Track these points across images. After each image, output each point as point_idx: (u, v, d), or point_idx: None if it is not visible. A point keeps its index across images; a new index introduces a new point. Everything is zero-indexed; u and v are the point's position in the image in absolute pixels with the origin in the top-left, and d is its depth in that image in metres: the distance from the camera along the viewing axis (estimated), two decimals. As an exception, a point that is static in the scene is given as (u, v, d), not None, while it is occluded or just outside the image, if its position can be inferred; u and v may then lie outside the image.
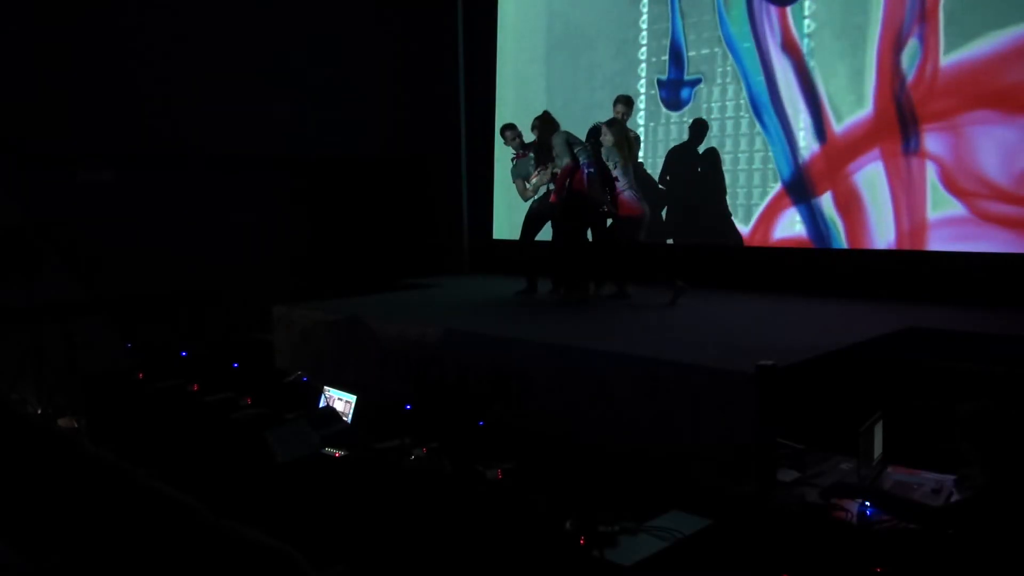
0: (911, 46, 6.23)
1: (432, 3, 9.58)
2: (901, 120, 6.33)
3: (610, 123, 6.54)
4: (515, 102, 9.10)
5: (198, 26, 7.78)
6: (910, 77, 6.26)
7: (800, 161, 6.90)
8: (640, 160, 7.50)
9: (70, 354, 6.44)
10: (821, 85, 6.74)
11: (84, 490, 0.99)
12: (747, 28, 7.15)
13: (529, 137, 7.30)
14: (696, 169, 7.58)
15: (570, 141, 6.45)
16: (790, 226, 6.99)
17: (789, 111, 6.94)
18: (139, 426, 5.44)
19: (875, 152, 6.47)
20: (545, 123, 6.79)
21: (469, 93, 9.58)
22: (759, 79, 7.09)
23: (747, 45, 7.16)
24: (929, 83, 6.18)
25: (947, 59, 6.08)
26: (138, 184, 7.52)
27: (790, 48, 6.91)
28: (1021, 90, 5.76)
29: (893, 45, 6.33)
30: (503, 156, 9.20)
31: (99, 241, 7.12)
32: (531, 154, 7.17)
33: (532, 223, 7.09)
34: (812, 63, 6.78)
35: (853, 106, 6.58)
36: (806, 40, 6.82)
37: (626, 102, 6.83)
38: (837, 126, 6.68)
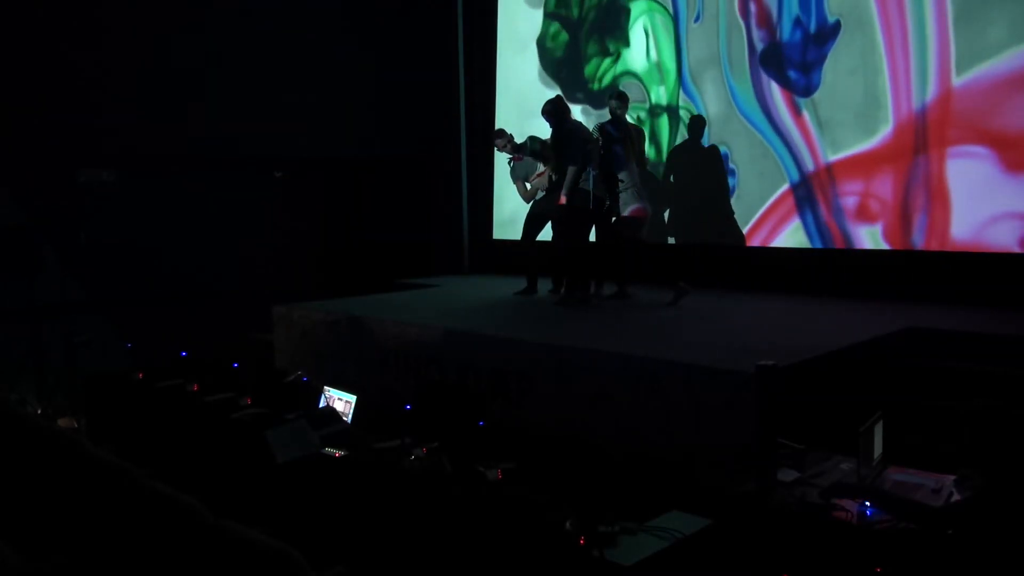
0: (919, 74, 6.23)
1: (432, 4, 9.59)
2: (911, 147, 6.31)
3: (613, 121, 6.52)
4: (515, 102, 9.11)
5: (199, 26, 7.78)
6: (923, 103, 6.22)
7: (805, 172, 6.90)
8: (647, 157, 7.50)
9: (70, 354, 6.44)
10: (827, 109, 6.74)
11: (84, 490, 0.99)
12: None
13: (520, 136, 7.27)
14: (698, 168, 7.57)
15: (585, 137, 6.37)
16: (792, 226, 6.98)
17: (792, 132, 6.95)
18: (139, 426, 5.44)
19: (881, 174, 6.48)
20: (559, 110, 6.50)
21: (469, 93, 9.58)
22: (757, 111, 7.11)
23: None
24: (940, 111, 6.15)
25: (959, 82, 6.04)
26: (138, 184, 7.52)
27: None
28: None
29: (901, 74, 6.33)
30: (502, 156, 9.21)
31: (99, 241, 7.13)
32: (527, 157, 7.12)
33: (533, 223, 7.08)
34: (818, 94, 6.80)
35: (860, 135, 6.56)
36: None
37: (619, 97, 6.75)
38: (832, 154, 6.69)
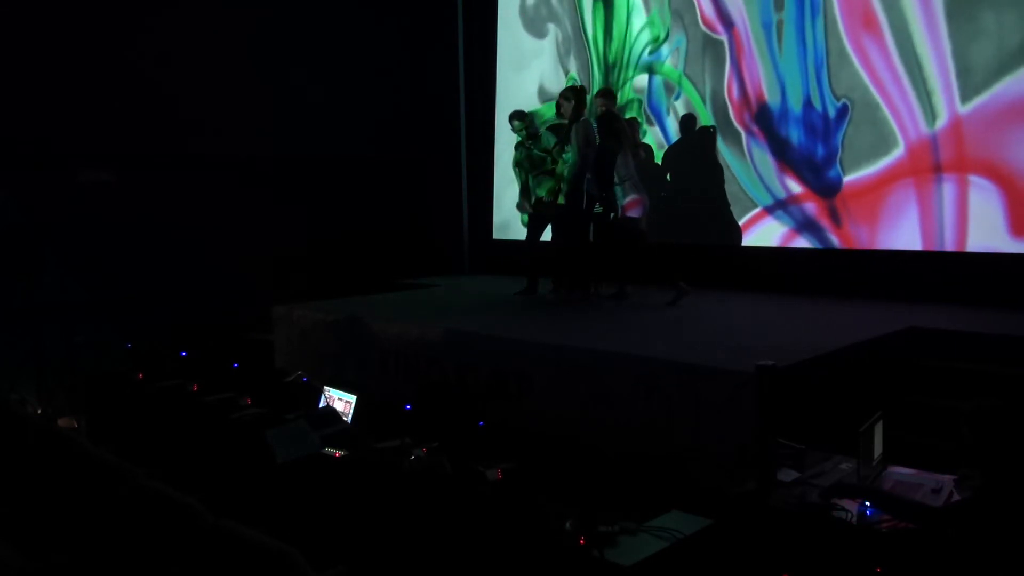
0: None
1: (432, 4, 9.59)
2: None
3: (608, 116, 6.49)
4: (515, 102, 9.10)
5: (199, 27, 7.78)
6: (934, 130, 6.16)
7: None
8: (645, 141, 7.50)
9: (70, 354, 6.45)
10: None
11: (84, 490, 1.00)
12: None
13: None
14: (694, 168, 7.57)
15: (588, 138, 6.30)
16: (791, 227, 6.99)
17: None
18: (139, 426, 5.45)
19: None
20: (581, 101, 6.44)
21: (469, 93, 9.58)
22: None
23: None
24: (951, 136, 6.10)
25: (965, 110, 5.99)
26: (138, 184, 7.51)
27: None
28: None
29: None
30: (503, 156, 9.20)
31: (99, 241, 7.13)
32: (535, 151, 6.91)
33: (536, 223, 7.05)
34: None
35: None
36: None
37: (606, 94, 6.73)
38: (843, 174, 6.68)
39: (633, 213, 6.37)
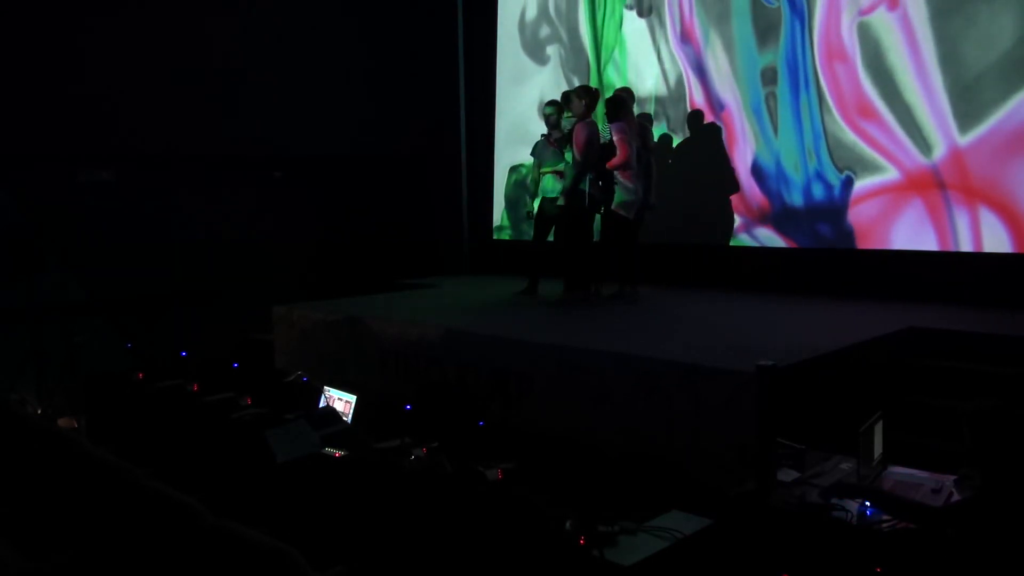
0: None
1: (433, 3, 9.59)
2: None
3: (619, 108, 6.47)
4: (515, 102, 9.11)
5: (199, 27, 7.78)
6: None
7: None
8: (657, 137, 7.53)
9: (70, 354, 6.45)
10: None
11: (84, 490, 0.99)
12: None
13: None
14: (699, 166, 7.56)
15: (591, 138, 6.28)
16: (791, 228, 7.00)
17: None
18: (139, 426, 5.45)
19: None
20: (590, 104, 6.40)
21: (469, 93, 9.58)
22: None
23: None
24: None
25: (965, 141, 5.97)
26: (138, 184, 7.52)
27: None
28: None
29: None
30: (503, 156, 9.21)
31: (99, 241, 7.13)
32: (551, 147, 6.83)
33: (543, 223, 7.03)
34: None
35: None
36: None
37: (624, 90, 6.83)
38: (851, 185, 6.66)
39: (623, 210, 6.38)
